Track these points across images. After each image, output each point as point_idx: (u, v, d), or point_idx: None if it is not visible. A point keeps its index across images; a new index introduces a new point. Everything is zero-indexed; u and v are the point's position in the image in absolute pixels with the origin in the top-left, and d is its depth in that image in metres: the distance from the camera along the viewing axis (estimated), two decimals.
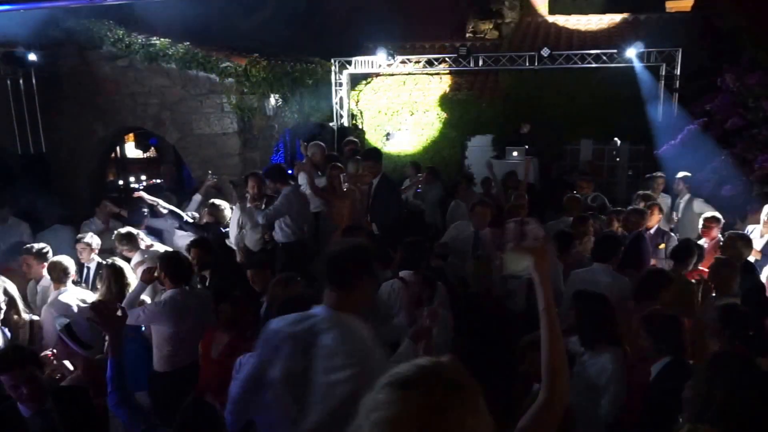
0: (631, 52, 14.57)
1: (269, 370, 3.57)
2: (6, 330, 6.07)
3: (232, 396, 3.79)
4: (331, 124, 17.37)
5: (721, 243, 8.02)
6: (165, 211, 9.71)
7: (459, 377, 1.89)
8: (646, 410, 4.85)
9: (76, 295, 6.95)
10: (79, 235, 8.76)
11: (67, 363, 5.22)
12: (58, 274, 6.99)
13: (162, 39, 14.83)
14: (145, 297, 6.80)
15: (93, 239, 8.53)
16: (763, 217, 8.59)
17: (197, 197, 10.94)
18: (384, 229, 9.34)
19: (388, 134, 17.54)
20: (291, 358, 3.47)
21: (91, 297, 6.85)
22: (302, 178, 10.60)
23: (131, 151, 24.28)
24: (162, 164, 21.27)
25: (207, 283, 7.76)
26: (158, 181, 19.61)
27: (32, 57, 13.44)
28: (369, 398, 1.88)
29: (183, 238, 9.42)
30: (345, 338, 3.42)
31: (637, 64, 14.99)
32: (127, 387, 4.02)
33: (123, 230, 8.65)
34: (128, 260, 8.03)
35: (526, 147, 15.34)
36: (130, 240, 8.51)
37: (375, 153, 10.09)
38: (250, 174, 10.27)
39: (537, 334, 2.80)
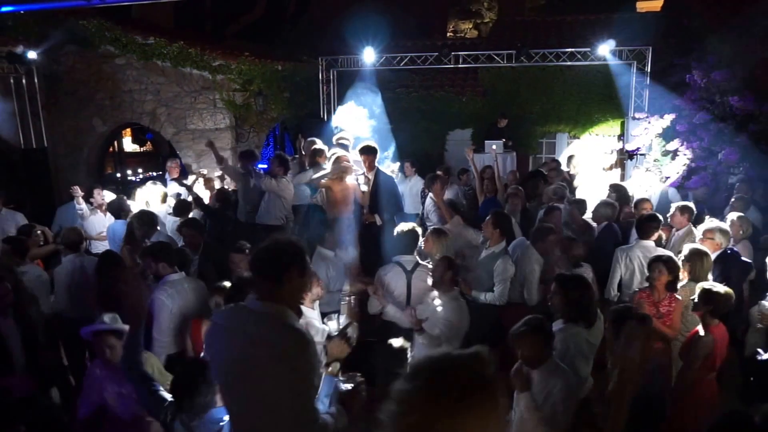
0: (604, 50, 14.57)
1: (211, 363, 3.58)
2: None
3: None
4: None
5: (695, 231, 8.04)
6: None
7: (484, 372, 1.89)
8: None
9: None
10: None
11: None
12: None
13: (158, 38, 14.79)
14: None
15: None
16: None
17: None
18: (386, 220, 9.36)
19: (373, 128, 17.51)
20: (226, 350, 3.40)
21: None
22: (292, 169, 10.63)
23: (128, 145, 24.24)
24: (162, 157, 21.18)
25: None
26: (154, 174, 19.53)
27: (34, 56, 13.43)
28: (396, 386, 1.89)
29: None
30: (273, 329, 3.32)
31: (610, 62, 15.02)
32: (137, 359, 4.04)
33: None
34: None
35: (504, 140, 15.36)
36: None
37: (372, 148, 10.07)
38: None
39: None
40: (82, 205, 10.05)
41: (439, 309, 6.06)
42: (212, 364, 3.55)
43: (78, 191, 10.10)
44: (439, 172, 11.54)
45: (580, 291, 5.21)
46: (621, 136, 16.11)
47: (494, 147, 13.03)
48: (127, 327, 4.04)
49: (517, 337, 4.46)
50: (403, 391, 1.86)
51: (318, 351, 3.51)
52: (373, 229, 9.40)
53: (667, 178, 12.33)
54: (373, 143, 10.29)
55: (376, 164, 9.79)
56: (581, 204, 9.49)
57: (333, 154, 9.57)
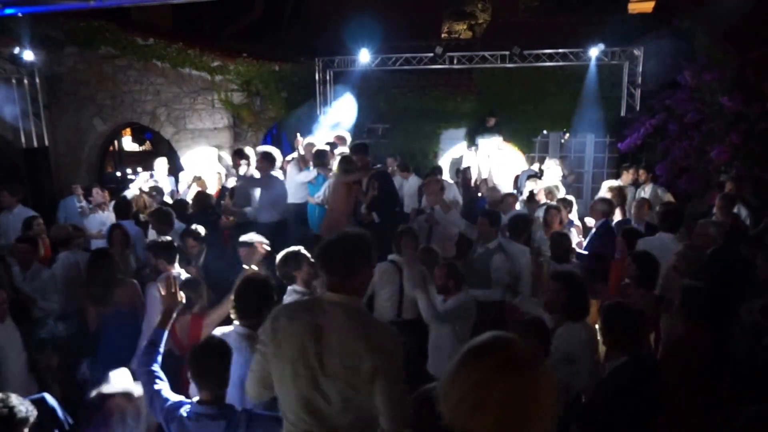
0: (596, 51, 14.60)
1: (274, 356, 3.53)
2: None
3: None
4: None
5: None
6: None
7: (525, 353, 1.93)
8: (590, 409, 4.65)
9: None
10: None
11: None
12: None
13: (157, 40, 14.79)
14: None
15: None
16: None
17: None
18: (383, 218, 9.35)
19: (370, 128, 17.51)
20: (300, 341, 3.37)
21: None
22: (291, 168, 10.63)
23: (128, 144, 24.21)
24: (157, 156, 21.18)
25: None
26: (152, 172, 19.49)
27: (35, 57, 13.43)
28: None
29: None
30: (358, 321, 3.36)
31: (602, 62, 15.05)
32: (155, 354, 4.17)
33: None
34: None
35: (496, 135, 15.44)
36: None
37: (364, 146, 10.06)
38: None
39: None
40: (83, 203, 10.06)
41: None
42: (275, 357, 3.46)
43: (79, 189, 10.10)
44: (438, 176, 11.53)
45: (576, 288, 5.22)
46: (613, 136, 16.11)
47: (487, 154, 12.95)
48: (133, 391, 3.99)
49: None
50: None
51: None
52: (371, 228, 9.41)
53: (659, 176, 12.36)
54: (364, 142, 10.35)
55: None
56: (568, 203, 9.57)
57: (339, 153, 9.63)
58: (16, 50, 13.32)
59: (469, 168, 12.20)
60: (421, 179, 12.23)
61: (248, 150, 10.17)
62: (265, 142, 16.46)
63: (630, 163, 13.17)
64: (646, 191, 11.45)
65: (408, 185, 12.76)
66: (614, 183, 10.43)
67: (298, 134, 11.23)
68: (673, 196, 11.27)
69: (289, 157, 11.09)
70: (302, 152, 10.68)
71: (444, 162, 16.49)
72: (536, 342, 4.45)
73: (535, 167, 14.28)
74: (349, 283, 3.44)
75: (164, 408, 3.87)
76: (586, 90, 16.07)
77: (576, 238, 8.78)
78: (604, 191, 9.74)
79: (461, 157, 16.07)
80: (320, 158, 10.12)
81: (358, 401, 3.26)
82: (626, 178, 12.33)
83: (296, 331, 3.36)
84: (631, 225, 8.63)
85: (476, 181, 12.33)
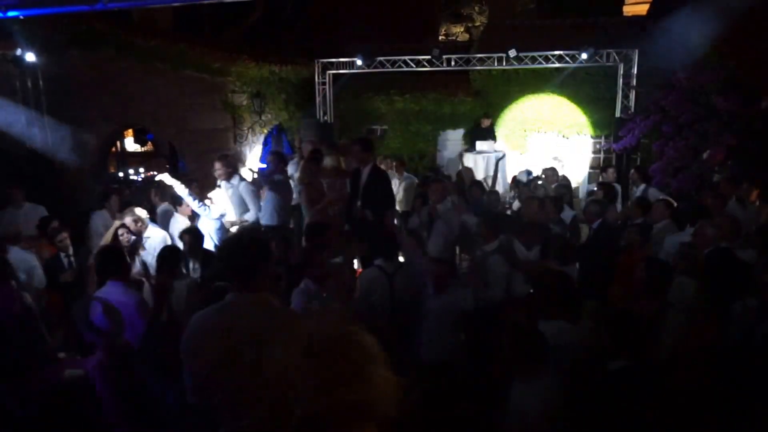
0: (592, 53, 14.56)
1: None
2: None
3: None
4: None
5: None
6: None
7: (364, 345, 1.97)
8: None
9: None
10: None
11: None
12: None
13: (158, 42, 14.76)
14: None
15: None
16: None
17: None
18: (377, 216, 9.26)
19: (368, 129, 17.50)
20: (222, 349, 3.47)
21: None
22: (291, 168, 10.62)
23: (130, 145, 24.18)
24: (164, 158, 21.12)
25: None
26: (155, 173, 19.47)
27: (38, 60, 13.40)
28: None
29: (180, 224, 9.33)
30: (269, 315, 3.52)
31: (597, 64, 15.02)
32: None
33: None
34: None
35: (490, 140, 15.47)
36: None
37: (363, 141, 9.99)
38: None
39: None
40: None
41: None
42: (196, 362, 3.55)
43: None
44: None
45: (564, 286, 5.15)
46: (608, 137, 16.08)
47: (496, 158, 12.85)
48: None
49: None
50: None
51: None
52: (364, 226, 9.35)
53: (653, 177, 12.30)
54: (367, 137, 10.31)
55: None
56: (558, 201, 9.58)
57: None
58: (19, 52, 13.27)
59: (467, 170, 12.14)
60: (416, 179, 12.23)
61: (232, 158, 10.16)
62: (265, 144, 16.42)
63: (616, 163, 13.19)
64: (638, 192, 11.45)
65: (406, 184, 12.80)
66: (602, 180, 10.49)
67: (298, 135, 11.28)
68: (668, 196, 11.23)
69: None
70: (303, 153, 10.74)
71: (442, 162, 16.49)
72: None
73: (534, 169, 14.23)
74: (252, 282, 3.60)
75: None
76: (581, 91, 16.05)
77: None
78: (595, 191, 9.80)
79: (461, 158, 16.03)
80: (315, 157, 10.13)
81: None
82: (609, 177, 12.37)
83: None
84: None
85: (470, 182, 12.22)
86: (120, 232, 8.03)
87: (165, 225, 9.57)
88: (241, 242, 3.74)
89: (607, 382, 4.37)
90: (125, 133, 21.78)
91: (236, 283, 3.63)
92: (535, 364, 4.23)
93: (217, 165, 9.55)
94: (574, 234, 9.09)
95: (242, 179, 9.74)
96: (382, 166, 12.08)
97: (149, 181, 13.74)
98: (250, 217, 9.42)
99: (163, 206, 10.31)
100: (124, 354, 4.69)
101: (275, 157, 10.14)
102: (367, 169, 9.44)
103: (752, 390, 4.37)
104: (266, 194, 9.97)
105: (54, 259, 8.46)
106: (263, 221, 9.75)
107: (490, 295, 6.92)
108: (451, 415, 3.51)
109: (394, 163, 13.61)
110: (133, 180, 18.76)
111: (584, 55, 14.69)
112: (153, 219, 9.44)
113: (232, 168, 9.73)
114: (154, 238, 8.62)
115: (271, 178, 9.97)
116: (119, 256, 5.79)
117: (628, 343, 4.35)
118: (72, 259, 8.56)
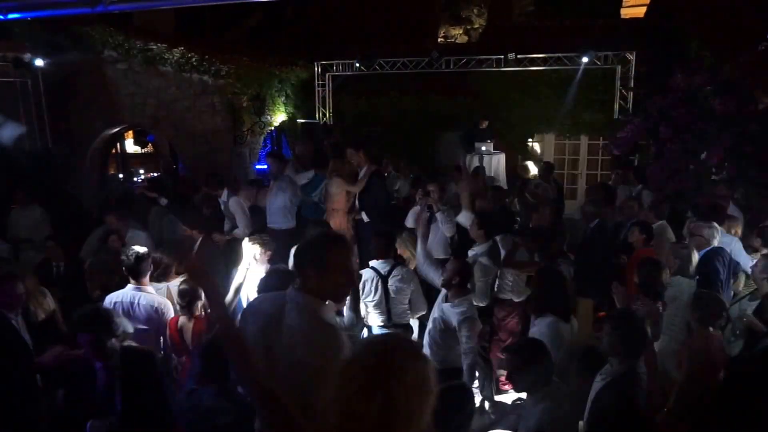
0: (590, 55, 14.59)
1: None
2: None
3: None
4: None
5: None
6: (163, 204, 9.52)
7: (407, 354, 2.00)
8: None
9: None
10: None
11: None
12: None
13: (159, 44, 14.74)
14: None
15: None
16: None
17: None
18: (374, 217, 9.27)
19: (369, 130, 17.49)
20: (258, 333, 3.31)
21: None
22: (290, 171, 10.58)
23: (130, 146, 24.16)
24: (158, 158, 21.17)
25: None
26: (155, 174, 19.50)
27: (39, 62, 13.46)
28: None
29: None
30: (308, 322, 3.24)
31: (595, 66, 15.04)
32: None
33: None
34: None
35: (489, 141, 15.47)
36: None
37: (356, 142, 10.01)
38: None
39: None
40: None
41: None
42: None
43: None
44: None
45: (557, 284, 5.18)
46: (606, 139, 16.09)
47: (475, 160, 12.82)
48: None
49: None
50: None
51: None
52: (359, 227, 9.37)
53: (652, 178, 12.31)
54: (360, 140, 10.31)
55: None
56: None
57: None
58: (20, 54, 13.29)
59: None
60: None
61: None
62: (264, 145, 16.44)
63: (619, 165, 13.19)
64: (634, 192, 11.51)
65: (403, 186, 12.86)
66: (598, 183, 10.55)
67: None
68: (665, 198, 11.22)
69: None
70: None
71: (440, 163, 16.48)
72: None
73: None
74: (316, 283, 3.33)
75: None
76: (579, 93, 16.06)
77: None
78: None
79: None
80: (317, 158, 10.08)
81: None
82: (616, 179, 12.39)
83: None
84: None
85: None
86: (111, 237, 8.03)
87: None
88: (322, 239, 3.45)
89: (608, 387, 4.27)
90: (125, 134, 21.77)
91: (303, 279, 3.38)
92: None
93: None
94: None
95: (231, 194, 9.63)
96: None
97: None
98: (238, 233, 9.12)
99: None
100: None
101: (275, 159, 10.02)
102: (363, 170, 9.47)
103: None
104: (276, 195, 9.71)
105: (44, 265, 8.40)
106: (274, 225, 9.64)
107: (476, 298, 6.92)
108: None
109: (400, 164, 13.77)
110: (134, 182, 18.80)
111: (584, 58, 14.71)
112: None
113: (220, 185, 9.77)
114: (137, 240, 8.49)
115: (283, 177, 9.81)
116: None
117: (624, 346, 4.24)
118: (62, 268, 8.40)
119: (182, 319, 5.79)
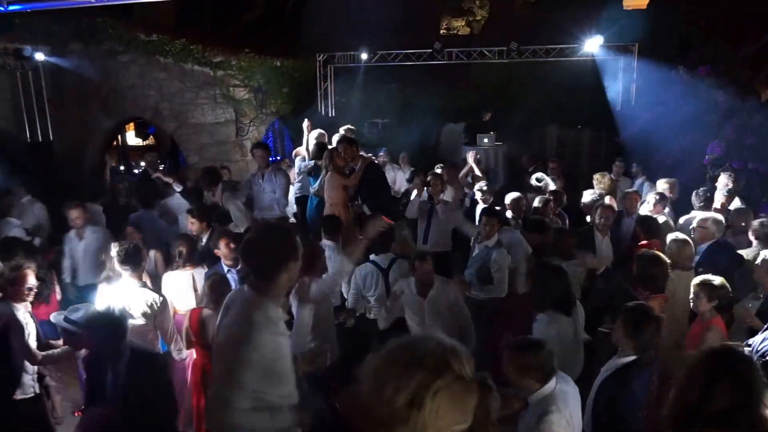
0: (592, 47, 14.54)
1: None
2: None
3: None
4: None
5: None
6: (179, 190, 9.46)
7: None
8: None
9: None
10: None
11: None
12: None
13: (160, 36, 14.72)
14: None
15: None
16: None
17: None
18: (374, 210, 9.26)
19: (370, 122, 17.47)
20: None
21: None
22: (298, 162, 10.62)
23: (131, 138, 24.18)
24: (165, 151, 21.11)
25: None
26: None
27: (39, 55, 13.50)
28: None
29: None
30: (238, 314, 3.43)
31: (598, 57, 14.99)
32: None
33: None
34: None
35: (491, 133, 15.47)
36: None
37: (352, 138, 10.03)
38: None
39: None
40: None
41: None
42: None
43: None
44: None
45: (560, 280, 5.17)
46: (609, 130, 16.06)
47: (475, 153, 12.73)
48: None
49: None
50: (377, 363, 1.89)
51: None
52: (361, 220, 9.36)
53: (654, 169, 12.30)
54: (350, 134, 10.36)
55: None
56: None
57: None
58: (21, 46, 13.28)
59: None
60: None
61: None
62: (266, 137, 16.43)
63: (621, 157, 13.17)
64: (636, 185, 11.48)
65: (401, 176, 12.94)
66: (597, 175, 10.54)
67: (307, 119, 11.23)
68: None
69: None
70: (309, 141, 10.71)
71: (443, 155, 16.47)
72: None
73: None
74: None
75: None
76: (582, 85, 16.02)
77: None
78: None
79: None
80: (320, 151, 10.06)
81: None
82: (616, 171, 12.37)
83: None
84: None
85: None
86: (128, 229, 8.14)
87: None
88: (271, 237, 3.54)
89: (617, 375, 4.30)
90: (126, 126, 21.77)
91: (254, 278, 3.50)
92: None
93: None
94: None
95: (224, 189, 9.53)
96: (380, 160, 12.18)
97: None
98: (233, 228, 9.09)
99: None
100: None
101: (263, 150, 9.93)
102: (360, 164, 9.47)
103: None
104: (264, 188, 9.71)
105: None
106: (264, 215, 9.59)
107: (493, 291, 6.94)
108: None
109: (402, 156, 13.81)
110: (134, 173, 18.79)
111: (594, 44, 14.62)
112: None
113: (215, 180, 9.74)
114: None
115: (272, 169, 9.83)
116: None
117: (635, 337, 4.25)
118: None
119: (206, 312, 5.68)
